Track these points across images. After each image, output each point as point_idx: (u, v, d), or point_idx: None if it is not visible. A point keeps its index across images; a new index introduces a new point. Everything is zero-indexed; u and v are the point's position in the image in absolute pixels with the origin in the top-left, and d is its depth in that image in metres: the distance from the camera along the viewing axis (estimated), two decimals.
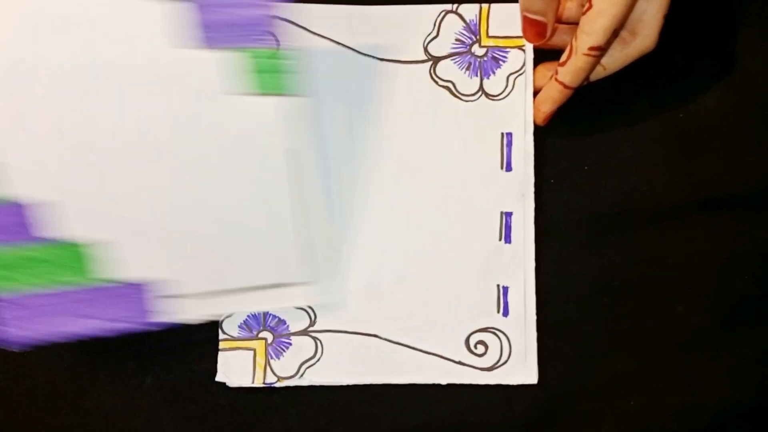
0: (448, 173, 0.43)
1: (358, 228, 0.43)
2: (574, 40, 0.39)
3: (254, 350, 0.43)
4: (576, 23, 0.40)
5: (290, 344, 0.43)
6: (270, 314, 0.43)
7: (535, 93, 0.43)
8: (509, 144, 0.43)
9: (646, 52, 0.40)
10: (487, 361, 0.43)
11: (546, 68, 0.43)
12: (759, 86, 0.44)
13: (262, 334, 0.43)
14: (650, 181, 0.43)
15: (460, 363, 0.43)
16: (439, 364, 0.43)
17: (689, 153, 0.44)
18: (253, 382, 0.43)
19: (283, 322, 0.43)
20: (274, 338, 0.43)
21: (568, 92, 0.41)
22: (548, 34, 0.41)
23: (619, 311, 0.43)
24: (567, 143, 0.44)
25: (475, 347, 0.43)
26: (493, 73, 0.43)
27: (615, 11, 0.37)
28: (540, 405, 0.43)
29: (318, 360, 0.43)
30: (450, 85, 0.43)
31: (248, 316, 0.43)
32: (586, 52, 0.39)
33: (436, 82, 0.43)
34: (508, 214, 0.43)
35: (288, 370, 0.43)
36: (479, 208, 0.43)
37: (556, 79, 0.41)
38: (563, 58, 0.40)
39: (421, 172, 0.43)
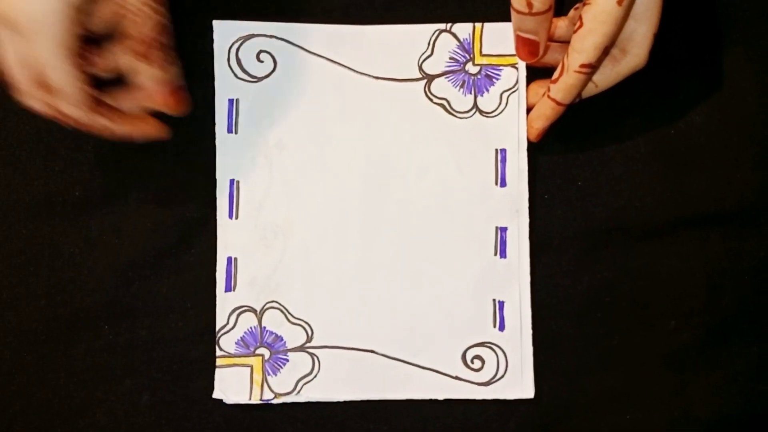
0: (443, 189, 0.44)
1: (354, 244, 0.43)
2: (565, 58, 0.40)
3: (251, 367, 0.43)
4: (567, 41, 0.40)
5: (287, 360, 0.43)
6: (267, 330, 0.43)
7: (528, 110, 0.43)
8: (503, 160, 0.44)
9: (636, 70, 0.41)
10: (484, 375, 0.43)
11: (538, 86, 0.43)
12: (747, 104, 0.44)
13: (259, 351, 0.43)
14: (641, 197, 0.44)
15: (456, 378, 0.43)
16: (436, 380, 0.43)
17: (679, 170, 0.44)
18: (250, 399, 0.43)
19: (280, 338, 0.43)
20: (271, 354, 0.43)
21: (560, 109, 0.41)
22: (541, 52, 0.41)
23: (611, 326, 0.44)
24: (560, 160, 0.44)
25: (472, 362, 0.43)
26: (487, 90, 0.44)
27: (605, 30, 0.38)
28: (535, 420, 0.43)
29: (315, 376, 0.43)
30: (444, 102, 0.44)
31: (245, 332, 0.43)
32: (578, 69, 0.39)
33: (431, 100, 0.44)
34: (503, 229, 0.43)
35: (285, 386, 0.43)
36: (474, 224, 0.43)
37: (549, 96, 0.41)
38: (555, 75, 0.41)
39: (417, 189, 0.44)
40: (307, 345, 0.43)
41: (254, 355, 0.43)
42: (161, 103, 0.39)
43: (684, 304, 0.44)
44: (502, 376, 0.43)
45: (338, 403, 0.43)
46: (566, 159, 0.44)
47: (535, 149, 0.44)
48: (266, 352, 0.43)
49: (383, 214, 0.43)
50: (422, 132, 0.44)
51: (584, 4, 0.38)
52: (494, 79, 0.44)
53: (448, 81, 0.44)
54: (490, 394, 0.43)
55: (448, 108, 0.44)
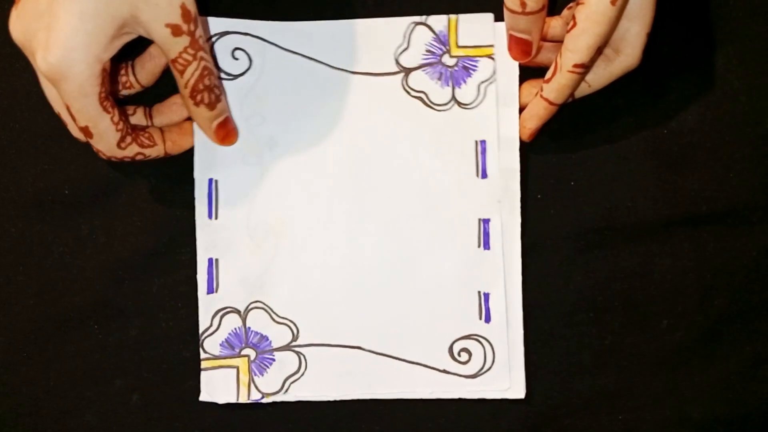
0: (424, 182, 0.43)
1: (337, 239, 0.43)
2: (558, 57, 0.39)
3: (237, 368, 0.43)
4: (561, 41, 0.40)
5: (273, 360, 0.43)
6: (252, 330, 0.43)
7: (521, 110, 0.43)
8: (483, 151, 0.43)
9: (629, 70, 0.40)
10: (471, 368, 0.43)
11: (531, 85, 0.43)
12: (739, 104, 0.43)
13: (244, 351, 0.43)
14: (634, 196, 0.43)
15: (444, 371, 0.43)
16: (423, 374, 0.43)
17: (672, 169, 0.43)
18: (237, 401, 0.43)
19: (266, 338, 0.43)
20: (257, 355, 0.43)
21: (553, 109, 0.41)
22: (534, 52, 0.41)
23: (603, 326, 0.44)
24: (553, 159, 0.44)
25: (459, 355, 0.43)
26: (464, 82, 0.43)
27: (599, 30, 0.37)
28: (526, 421, 0.44)
29: (302, 374, 0.43)
30: (422, 95, 0.43)
31: (230, 333, 0.43)
32: (571, 69, 0.39)
33: (409, 93, 0.43)
34: (486, 221, 0.43)
35: (272, 386, 0.43)
36: (457, 216, 0.43)
37: (542, 96, 0.41)
38: (548, 75, 0.40)
39: (398, 183, 0.43)
40: (293, 344, 0.43)
41: (240, 356, 0.43)
42: (212, 138, 0.41)
43: (677, 304, 0.43)
44: (489, 368, 0.43)
45: (327, 402, 0.43)
46: (559, 159, 0.44)
47: (527, 149, 0.43)
48: (252, 353, 0.43)
49: (365, 209, 0.43)
50: (401, 126, 0.43)
51: (578, 4, 0.38)
52: (471, 71, 0.43)
53: (426, 74, 0.43)
54: (478, 386, 0.43)
55: (426, 101, 0.43)
